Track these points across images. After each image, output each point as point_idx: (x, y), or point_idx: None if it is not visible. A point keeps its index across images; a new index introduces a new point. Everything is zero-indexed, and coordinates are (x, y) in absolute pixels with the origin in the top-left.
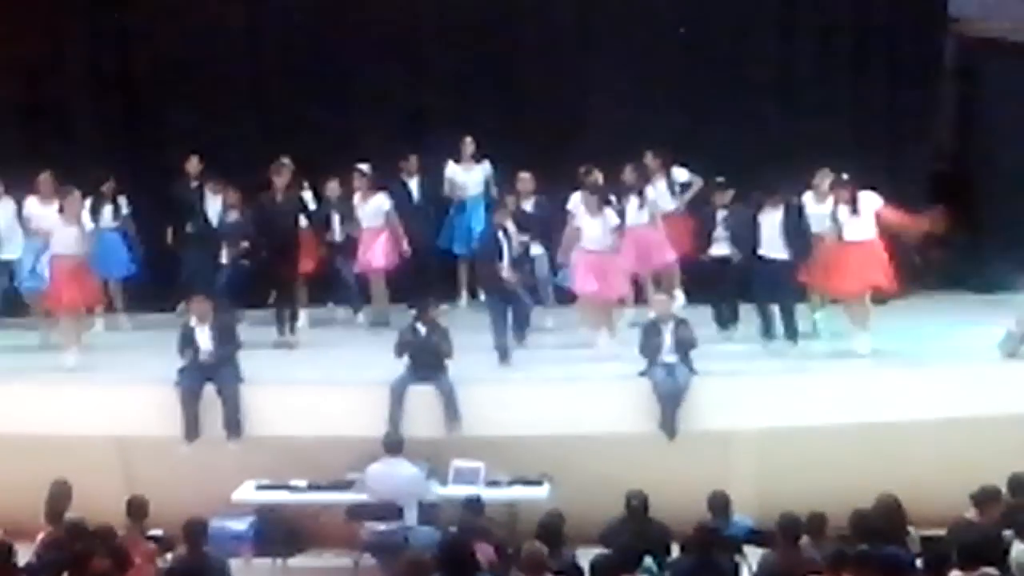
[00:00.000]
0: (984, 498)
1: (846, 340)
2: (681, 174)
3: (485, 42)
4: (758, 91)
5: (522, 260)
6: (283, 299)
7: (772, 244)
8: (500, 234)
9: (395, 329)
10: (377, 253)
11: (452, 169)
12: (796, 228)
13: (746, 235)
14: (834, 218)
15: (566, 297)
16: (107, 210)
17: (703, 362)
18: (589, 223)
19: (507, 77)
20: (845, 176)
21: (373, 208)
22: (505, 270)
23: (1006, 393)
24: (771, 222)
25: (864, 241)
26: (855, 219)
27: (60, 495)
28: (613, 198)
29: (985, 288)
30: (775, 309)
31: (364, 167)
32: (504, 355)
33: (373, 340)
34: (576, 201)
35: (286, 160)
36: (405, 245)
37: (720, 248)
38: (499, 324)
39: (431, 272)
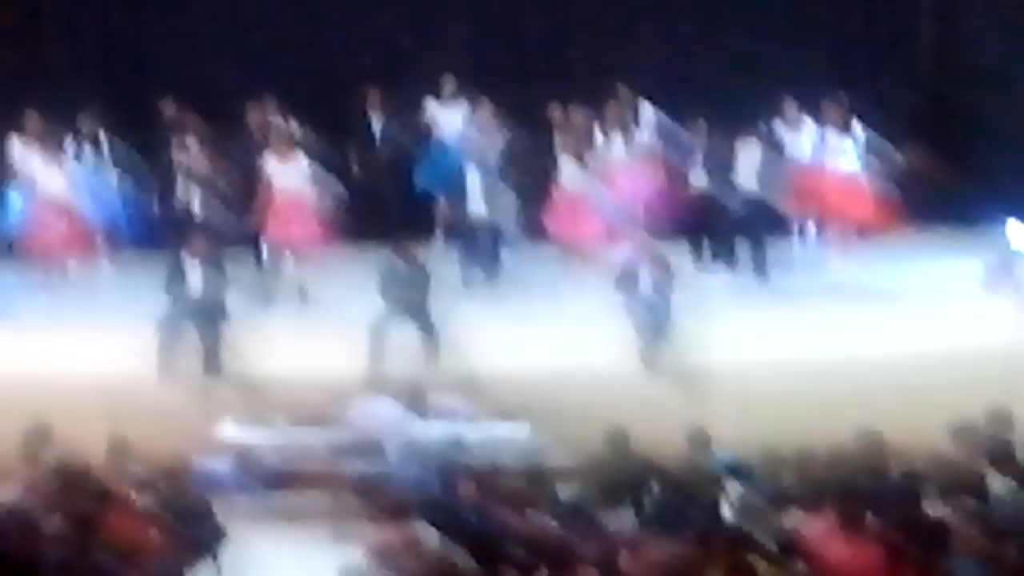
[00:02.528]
0: (961, 431)
1: (826, 274)
2: (647, 110)
3: None
4: (734, 21)
5: (493, 196)
6: None
7: (749, 179)
8: (468, 170)
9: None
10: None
11: (432, 107)
12: (774, 162)
13: (723, 169)
14: (821, 139)
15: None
16: (88, 150)
17: (682, 297)
18: (567, 163)
19: (479, 15)
20: (841, 96)
21: (292, 169)
22: (470, 207)
23: (984, 327)
24: (747, 154)
25: (849, 172)
26: (843, 143)
27: (38, 437)
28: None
29: (964, 224)
30: (749, 244)
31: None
32: (468, 284)
33: (352, 279)
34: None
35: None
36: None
37: (698, 181)
38: (466, 260)
39: (401, 210)
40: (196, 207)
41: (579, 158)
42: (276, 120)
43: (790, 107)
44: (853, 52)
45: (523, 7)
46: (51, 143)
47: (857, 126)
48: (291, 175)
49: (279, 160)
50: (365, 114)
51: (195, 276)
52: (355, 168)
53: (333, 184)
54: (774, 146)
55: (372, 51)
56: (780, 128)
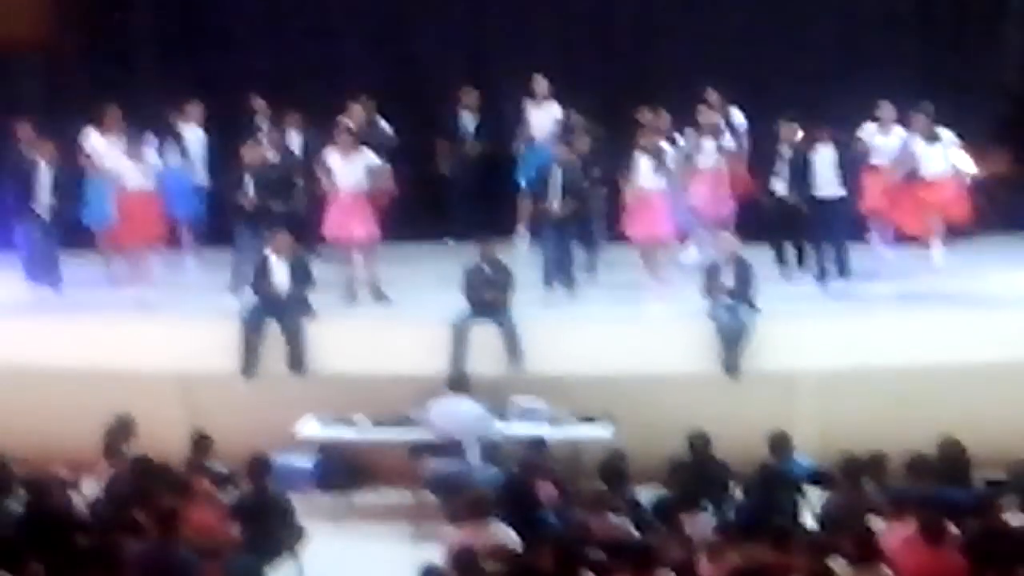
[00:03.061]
0: None
1: (911, 281)
2: (738, 115)
3: None
4: (822, 29)
5: (578, 197)
6: None
7: (825, 183)
8: (554, 170)
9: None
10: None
11: (528, 108)
12: (849, 164)
13: (799, 174)
14: (908, 150)
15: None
16: (173, 146)
17: (765, 302)
18: (642, 162)
19: (567, 18)
20: (927, 107)
21: (355, 167)
22: (553, 205)
23: None
24: (823, 160)
25: (939, 177)
26: (932, 151)
27: (120, 430)
28: (680, 137)
29: None
30: (829, 248)
31: (349, 122)
32: (549, 282)
33: (433, 276)
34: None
35: (356, 106)
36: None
37: (779, 187)
38: (546, 257)
39: (488, 209)
40: (274, 204)
41: (658, 160)
42: (355, 117)
43: (885, 110)
44: (939, 59)
45: (613, 12)
46: (135, 137)
47: (946, 133)
48: (353, 172)
49: (342, 157)
50: (456, 113)
51: (279, 272)
52: (445, 165)
53: (397, 180)
54: (860, 151)
55: (462, 51)
56: (870, 133)
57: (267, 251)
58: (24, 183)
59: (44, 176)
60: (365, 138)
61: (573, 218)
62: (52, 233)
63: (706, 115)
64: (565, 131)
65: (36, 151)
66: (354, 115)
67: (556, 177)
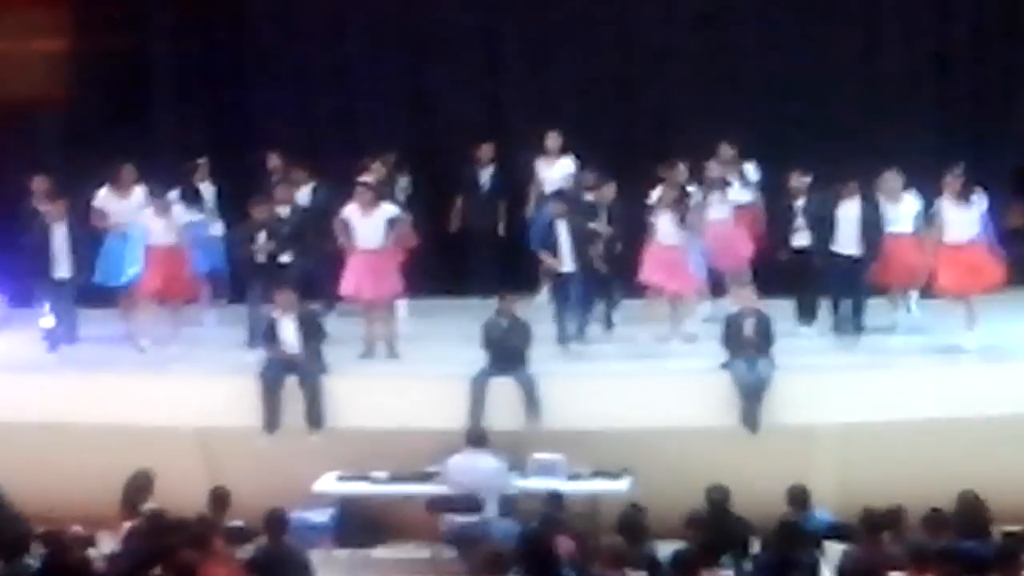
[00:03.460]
0: None
1: (929, 335)
2: (751, 170)
3: (564, 37)
4: (840, 85)
5: (586, 252)
6: None
7: (847, 239)
8: (557, 225)
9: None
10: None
11: (539, 164)
12: (873, 221)
13: (823, 227)
14: (937, 213)
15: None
16: (192, 201)
17: (784, 356)
18: (663, 218)
19: (586, 73)
20: (959, 168)
21: (374, 223)
22: (560, 261)
23: None
24: (848, 215)
25: (970, 240)
26: (964, 213)
27: (139, 485)
28: (694, 190)
29: None
30: (846, 303)
31: (369, 178)
32: (564, 340)
33: (455, 332)
34: (656, 196)
35: (376, 163)
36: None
37: (800, 239)
38: (560, 314)
39: (498, 264)
40: (285, 259)
41: (677, 214)
42: (375, 173)
43: (892, 178)
44: (959, 114)
45: (632, 66)
46: (160, 193)
47: (978, 195)
48: (374, 228)
49: (362, 213)
50: (473, 168)
51: (287, 330)
52: (462, 220)
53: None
54: (874, 207)
55: (480, 106)
56: (880, 198)
57: (273, 311)
58: (41, 242)
59: (60, 235)
60: (385, 195)
61: (582, 273)
62: (70, 292)
63: (712, 169)
64: (577, 186)
65: (50, 209)
66: (373, 172)
67: (561, 231)
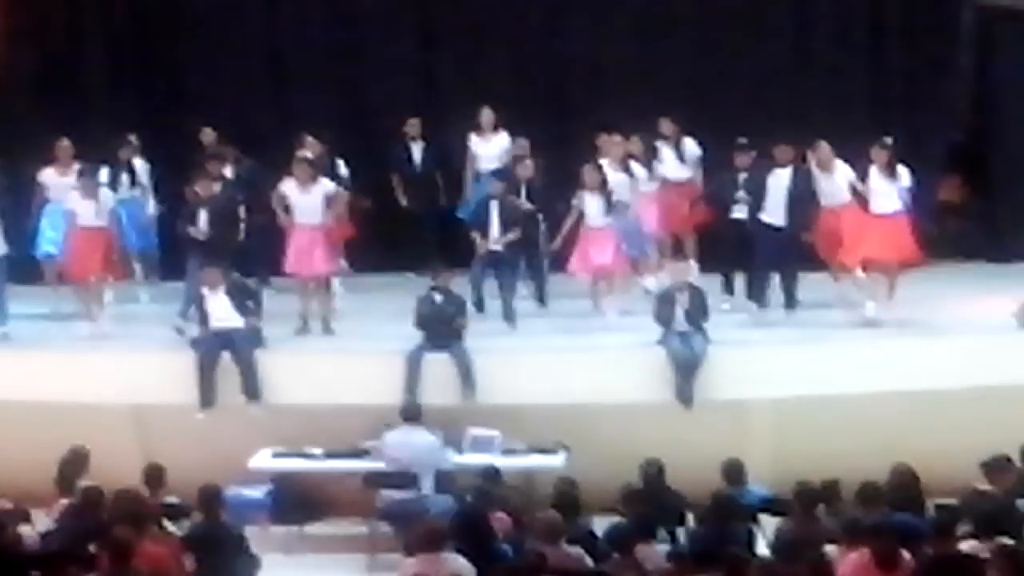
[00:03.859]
0: (995, 467)
1: (860, 310)
2: (691, 145)
3: (496, 10)
4: (775, 59)
5: (517, 229)
6: None
7: (775, 209)
8: (491, 204)
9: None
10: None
11: (473, 140)
12: (804, 193)
13: (758, 196)
14: (862, 182)
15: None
16: (125, 178)
17: (717, 331)
18: (588, 199)
19: (518, 46)
20: (888, 140)
21: (312, 199)
22: (491, 240)
23: (1018, 363)
24: (779, 183)
25: (893, 213)
26: (889, 187)
27: (74, 463)
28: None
29: (1000, 257)
30: (774, 277)
31: (308, 153)
32: (509, 317)
33: (389, 308)
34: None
35: (310, 138)
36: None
37: (740, 211)
38: (475, 289)
39: (435, 240)
40: (219, 236)
41: (604, 192)
42: (311, 149)
43: (823, 148)
44: (893, 88)
45: (565, 43)
46: (89, 172)
47: (902, 169)
48: (312, 204)
49: (300, 189)
50: (406, 144)
51: (217, 306)
52: (398, 197)
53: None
54: (806, 178)
55: (411, 83)
56: (814, 169)
57: (202, 288)
58: None
59: None
60: (323, 171)
61: (511, 251)
62: (2, 268)
63: (650, 142)
64: (513, 161)
65: None
66: (308, 147)
67: (493, 211)
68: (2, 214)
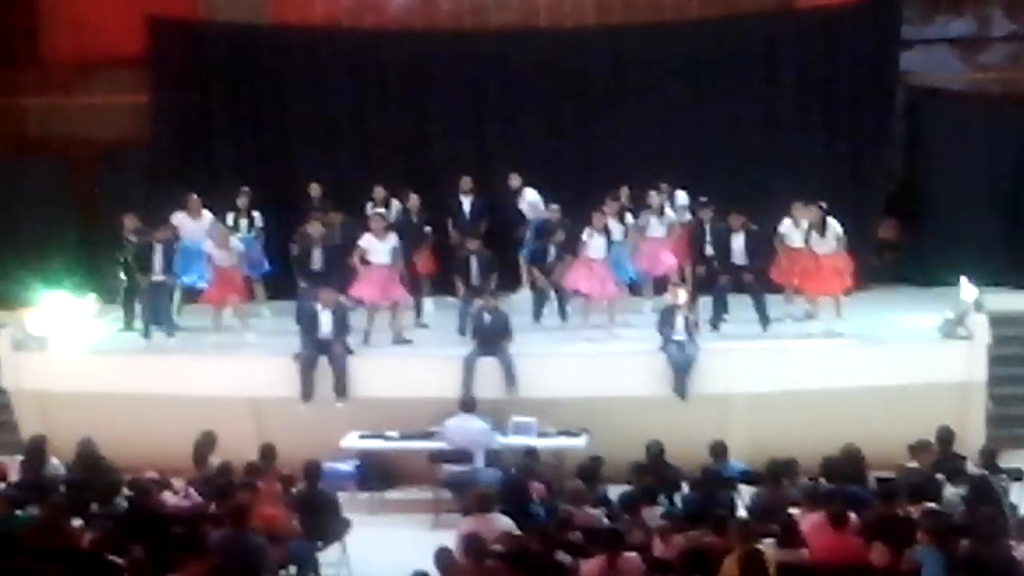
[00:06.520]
0: (920, 448)
1: (815, 325)
2: (681, 197)
3: (536, 94)
4: (748, 134)
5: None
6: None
7: (739, 256)
8: (549, 248)
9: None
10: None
11: (530, 193)
12: (758, 247)
13: (723, 249)
14: (807, 236)
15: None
16: (244, 223)
17: (705, 340)
18: (595, 238)
19: (551, 122)
20: (823, 205)
21: (385, 247)
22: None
23: (942, 366)
24: (737, 244)
25: (830, 254)
26: (822, 239)
27: (206, 443)
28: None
29: (927, 282)
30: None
31: (381, 210)
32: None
33: (451, 323)
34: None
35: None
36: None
37: (710, 250)
38: (537, 307)
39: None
40: (320, 267)
41: (604, 235)
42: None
43: (799, 207)
44: (842, 151)
45: (586, 116)
46: (220, 220)
47: (831, 221)
48: (383, 251)
49: (376, 238)
50: (456, 196)
51: (325, 320)
52: (452, 236)
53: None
54: (755, 237)
55: (464, 146)
56: (786, 226)
57: (316, 305)
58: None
59: (158, 251)
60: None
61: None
62: (164, 292)
63: (652, 198)
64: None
65: (151, 235)
66: (375, 196)
67: (551, 253)
68: (163, 252)
